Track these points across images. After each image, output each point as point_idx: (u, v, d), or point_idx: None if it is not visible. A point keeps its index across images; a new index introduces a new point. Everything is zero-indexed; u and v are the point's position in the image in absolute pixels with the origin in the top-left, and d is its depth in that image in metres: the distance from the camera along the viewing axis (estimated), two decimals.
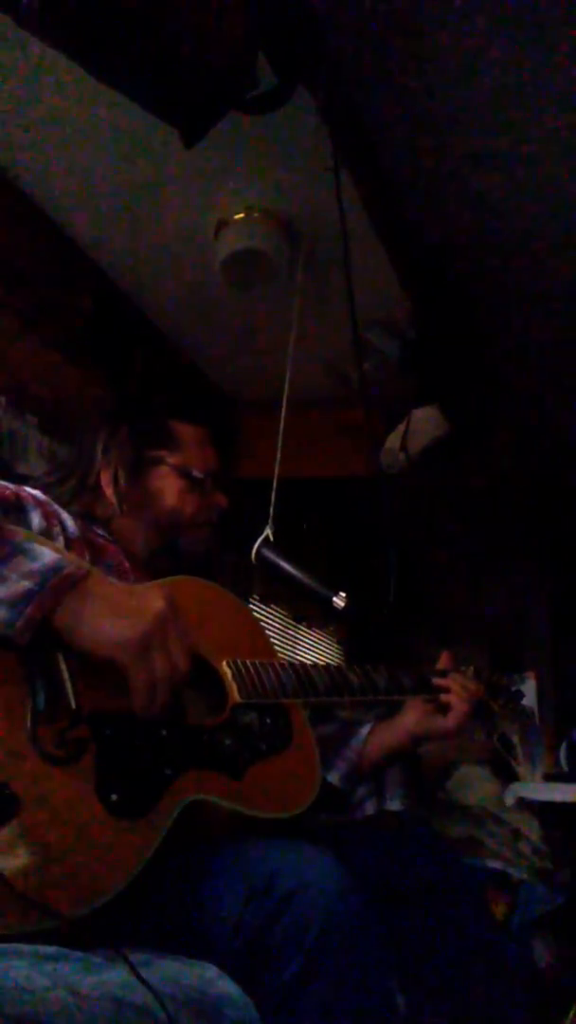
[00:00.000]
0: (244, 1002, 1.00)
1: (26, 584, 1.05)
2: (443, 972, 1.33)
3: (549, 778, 3.32)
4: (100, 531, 1.46)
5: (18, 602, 1.03)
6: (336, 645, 4.09)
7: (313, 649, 3.88)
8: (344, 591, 1.44)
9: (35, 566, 1.07)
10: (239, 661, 1.33)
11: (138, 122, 1.69)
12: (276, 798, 1.24)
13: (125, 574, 1.41)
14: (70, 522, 1.37)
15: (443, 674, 1.64)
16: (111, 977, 0.91)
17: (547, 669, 3.94)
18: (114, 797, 1.06)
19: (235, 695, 1.29)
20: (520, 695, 1.83)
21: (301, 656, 3.70)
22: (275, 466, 1.81)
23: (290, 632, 3.67)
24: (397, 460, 2.55)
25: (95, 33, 1.22)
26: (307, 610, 3.62)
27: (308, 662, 1.54)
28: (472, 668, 1.71)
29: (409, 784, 1.64)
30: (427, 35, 1.72)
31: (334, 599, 1.43)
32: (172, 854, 1.09)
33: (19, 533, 1.12)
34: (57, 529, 1.33)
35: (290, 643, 3.66)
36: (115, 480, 1.47)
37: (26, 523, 1.28)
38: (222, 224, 2.03)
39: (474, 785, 3.22)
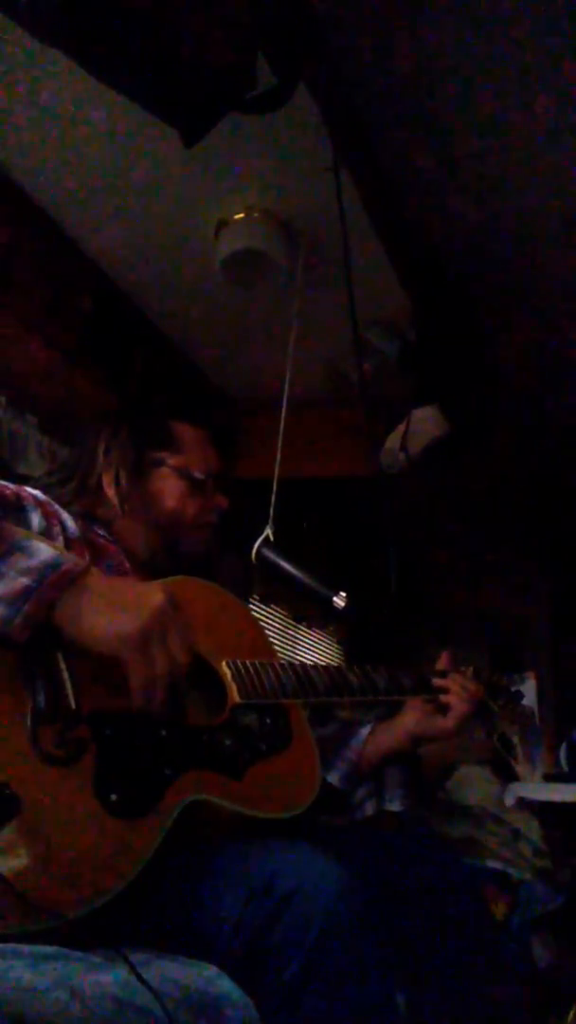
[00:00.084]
0: (244, 1002, 1.00)
1: (24, 581, 1.05)
2: (443, 972, 1.32)
3: (549, 778, 3.32)
4: (101, 531, 1.46)
5: (16, 599, 1.03)
6: (336, 645, 4.09)
7: (313, 649, 3.88)
8: (344, 591, 1.44)
9: (33, 563, 1.07)
10: (239, 661, 1.33)
11: (138, 122, 1.69)
12: (276, 798, 1.24)
13: (126, 575, 1.41)
14: (70, 522, 1.37)
15: (443, 674, 1.64)
16: (111, 977, 0.91)
17: (547, 669, 3.94)
18: (114, 797, 1.06)
19: (235, 695, 1.29)
20: (520, 695, 1.83)
21: (301, 656, 3.70)
22: (275, 466, 1.81)
23: (290, 632, 3.67)
24: (397, 460, 2.55)
25: (95, 33, 1.22)
26: (307, 610, 3.62)
27: (308, 662, 1.54)
28: (472, 668, 1.71)
29: (409, 785, 1.64)
30: (427, 35, 1.72)
31: (334, 599, 1.43)
32: (172, 854, 1.09)
33: (17, 531, 1.12)
34: (57, 529, 1.33)
35: (290, 643, 3.66)
36: (116, 481, 1.47)
37: (26, 523, 1.28)
38: (222, 224, 2.04)
39: (474, 785, 3.22)
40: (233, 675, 1.31)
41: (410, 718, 1.59)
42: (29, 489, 1.36)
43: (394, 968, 1.27)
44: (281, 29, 1.44)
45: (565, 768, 3.39)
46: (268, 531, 1.52)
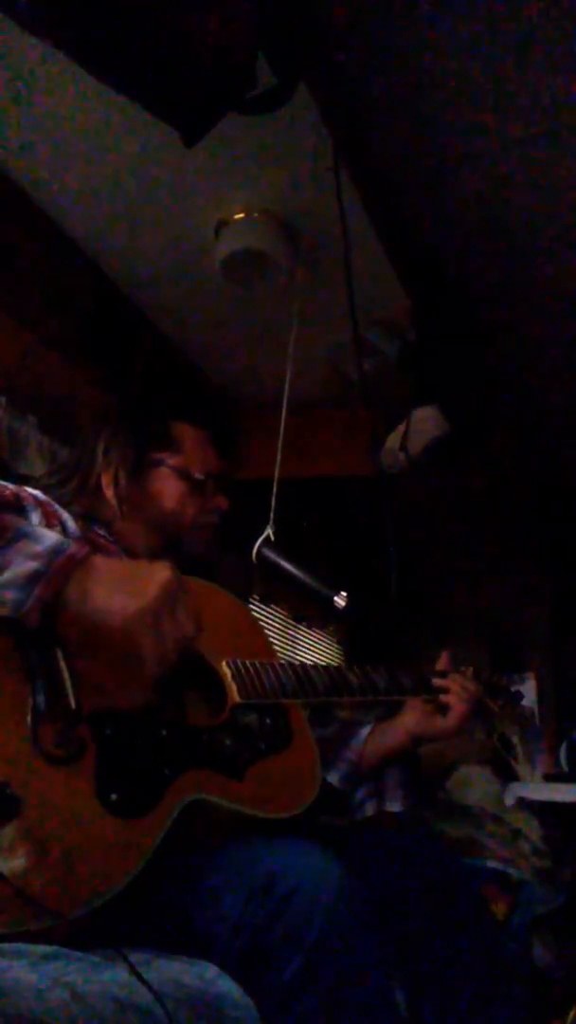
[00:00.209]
0: (244, 1002, 1.00)
1: (33, 565, 1.06)
2: (443, 972, 1.32)
3: (549, 778, 3.33)
4: (101, 531, 1.46)
5: (27, 583, 1.04)
6: (336, 645, 4.09)
7: (313, 649, 3.88)
8: (344, 591, 1.44)
9: (40, 548, 1.08)
10: (239, 661, 1.33)
11: (138, 122, 1.69)
12: (276, 798, 1.24)
13: None
14: (71, 522, 1.38)
15: (443, 674, 1.64)
16: (111, 977, 0.91)
17: (547, 669, 3.94)
18: (114, 797, 1.06)
19: (235, 695, 1.29)
20: (520, 695, 1.83)
21: (301, 656, 3.70)
22: (275, 466, 1.81)
23: (290, 632, 3.67)
24: (397, 460, 2.55)
25: (95, 32, 1.22)
26: (307, 610, 3.62)
27: (308, 662, 1.54)
28: (472, 668, 1.71)
29: (409, 785, 1.64)
30: (427, 35, 1.72)
31: (335, 599, 1.43)
32: (172, 854, 1.09)
33: (20, 520, 1.14)
34: (58, 529, 1.33)
35: (290, 643, 3.66)
36: (115, 482, 1.47)
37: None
38: (222, 224, 2.04)
39: (474, 785, 3.22)
40: (233, 675, 1.31)
41: (410, 718, 1.59)
42: (29, 489, 1.36)
43: (394, 968, 1.28)
44: (281, 29, 1.44)
45: (565, 768, 3.40)
46: (269, 531, 1.52)
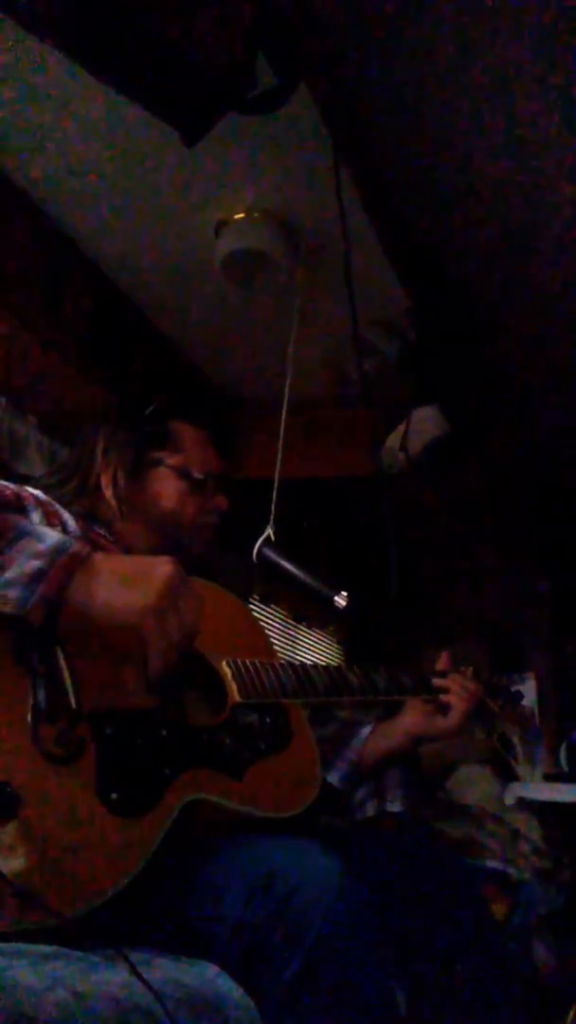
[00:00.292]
0: (244, 1002, 1.00)
1: (36, 563, 1.06)
2: (443, 972, 1.33)
3: (549, 778, 3.33)
4: (102, 532, 1.46)
5: (31, 581, 1.05)
6: (336, 645, 4.09)
7: (313, 649, 3.88)
8: (344, 591, 1.44)
9: (43, 546, 1.08)
10: (239, 661, 1.33)
11: (138, 122, 1.69)
12: (276, 798, 1.24)
13: None
14: (71, 522, 1.38)
15: (443, 674, 1.64)
16: (111, 977, 0.91)
17: (547, 669, 3.93)
18: (114, 796, 1.06)
19: (235, 695, 1.29)
20: (520, 695, 1.83)
21: (301, 656, 3.70)
22: (276, 466, 1.81)
23: (290, 632, 3.67)
24: (397, 460, 2.55)
25: (95, 33, 1.22)
26: (307, 610, 3.62)
27: (308, 662, 1.54)
28: (472, 668, 1.71)
29: (409, 785, 1.65)
30: (427, 34, 1.72)
31: (336, 599, 1.43)
32: (172, 853, 1.09)
33: (22, 519, 1.14)
34: (58, 529, 1.33)
35: (290, 643, 3.66)
36: (115, 482, 1.47)
37: None
38: (222, 224, 2.04)
39: (474, 785, 3.22)
40: (233, 674, 1.31)
41: (410, 718, 1.59)
42: (30, 489, 1.36)
43: (394, 968, 1.28)
44: (281, 29, 1.44)
45: (565, 768, 3.40)
46: (269, 531, 1.53)
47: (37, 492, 1.37)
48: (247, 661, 1.34)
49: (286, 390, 1.90)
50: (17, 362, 2.10)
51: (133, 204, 2.01)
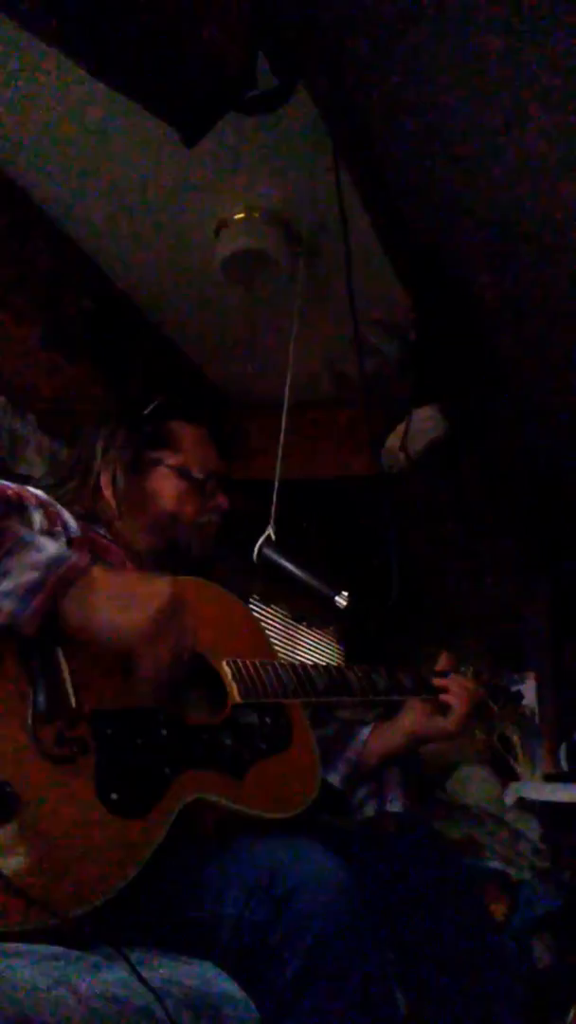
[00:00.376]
0: (244, 1002, 1.01)
1: (33, 575, 1.05)
2: (443, 972, 1.32)
3: (549, 778, 3.33)
4: (102, 531, 1.46)
5: (27, 593, 1.04)
6: (336, 645, 4.09)
7: (313, 649, 3.88)
8: (345, 591, 1.44)
9: (40, 558, 1.07)
10: (239, 661, 1.33)
11: (138, 122, 1.69)
12: (276, 798, 1.24)
13: None
14: (72, 522, 1.37)
15: (443, 675, 1.64)
16: (111, 977, 0.91)
17: (547, 669, 3.93)
18: (114, 796, 1.06)
19: (235, 695, 1.29)
20: (520, 696, 1.83)
21: (301, 656, 3.70)
22: (276, 466, 1.81)
23: (290, 632, 3.67)
24: (397, 460, 2.55)
25: (95, 33, 1.22)
26: (307, 610, 3.62)
27: (308, 662, 1.54)
28: (472, 669, 1.71)
29: (409, 785, 1.64)
30: (427, 34, 1.72)
31: (336, 598, 1.43)
32: (172, 853, 1.09)
33: (21, 528, 1.13)
34: (59, 529, 1.33)
35: (290, 643, 3.66)
36: (114, 481, 1.47)
37: (28, 523, 1.28)
38: (222, 224, 2.04)
39: (474, 785, 3.22)
40: (233, 675, 1.31)
41: (410, 719, 1.59)
42: (31, 489, 1.36)
43: (394, 968, 1.28)
44: (281, 29, 1.44)
45: (565, 768, 3.40)
46: (270, 531, 1.52)
47: (38, 492, 1.37)
48: (247, 661, 1.34)
49: (286, 390, 1.90)
50: (17, 362, 2.10)
51: (133, 204, 2.02)
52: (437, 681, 1.62)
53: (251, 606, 2.66)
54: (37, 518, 1.30)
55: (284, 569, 1.48)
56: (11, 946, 0.92)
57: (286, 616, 3.58)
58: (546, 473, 3.62)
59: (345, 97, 1.85)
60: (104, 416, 1.58)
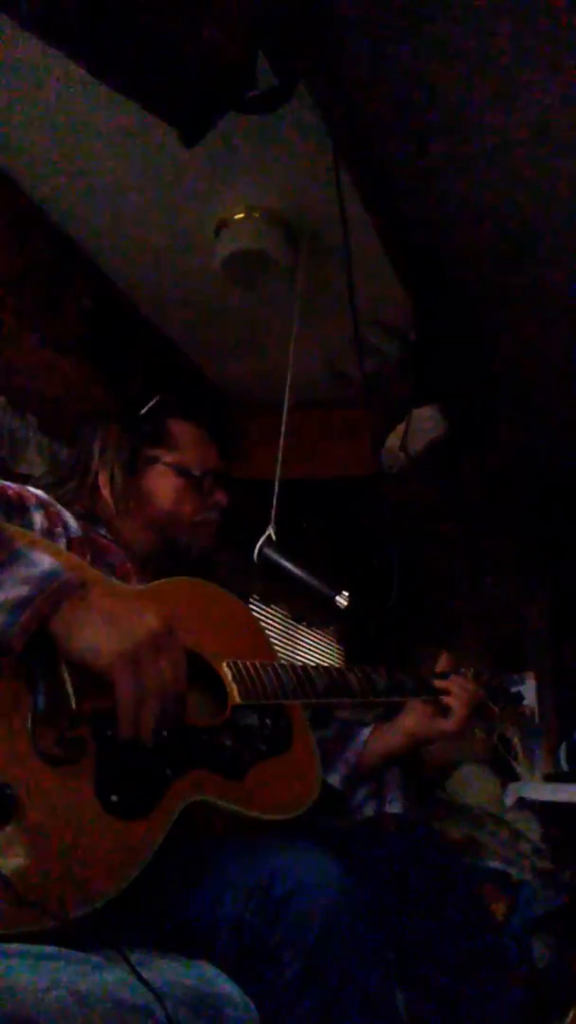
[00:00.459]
0: (244, 1002, 1.00)
1: (23, 590, 1.04)
2: (443, 972, 1.33)
3: (549, 778, 3.33)
4: (102, 531, 1.46)
5: (15, 608, 1.03)
6: (336, 645, 4.09)
7: (313, 649, 3.88)
8: (345, 591, 1.44)
9: (33, 572, 1.06)
10: (239, 662, 1.33)
11: (138, 122, 1.69)
12: (276, 799, 1.24)
13: (127, 574, 1.40)
14: (72, 522, 1.37)
15: (443, 676, 1.64)
16: (111, 977, 0.91)
17: (547, 669, 3.93)
18: (114, 798, 1.06)
19: (235, 696, 1.29)
20: (520, 697, 1.83)
21: (301, 656, 3.70)
22: (276, 466, 1.81)
23: (290, 632, 3.67)
24: (397, 460, 2.55)
25: (95, 32, 1.22)
26: (307, 610, 3.62)
27: (308, 662, 1.54)
28: (472, 670, 1.71)
29: (409, 786, 1.64)
30: (427, 34, 1.72)
31: (337, 598, 1.43)
32: (172, 854, 1.09)
33: (18, 539, 1.11)
34: (59, 529, 1.33)
35: (290, 643, 3.66)
36: (112, 480, 1.47)
37: (29, 523, 1.29)
38: (222, 224, 2.03)
39: (474, 785, 3.22)
40: (233, 676, 1.31)
41: (410, 719, 1.59)
42: (32, 489, 1.36)
43: (394, 968, 1.28)
44: (281, 29, 1.44)
45: (565, 768, 3.40)
46: (270, 531, 1.52)
47: (39, 492, 1.37)
48: (247, 662, 1.34)
49: (286, 390, 1.90)
50: (17, 362, 2.10)
51: (133, 204, 2.01)
52: (437, 682, 1.62)
53: (251, 606, 2.66)
54: (38, 518, 1.30)
55: (284, 569, 1.48)
56: (11, 947, 0.92)
57: (286, 616, 3.58)
58: (546, 473, 3.62)
59: (345, 97, 1.85)
60: (102, 415, 1.58)
